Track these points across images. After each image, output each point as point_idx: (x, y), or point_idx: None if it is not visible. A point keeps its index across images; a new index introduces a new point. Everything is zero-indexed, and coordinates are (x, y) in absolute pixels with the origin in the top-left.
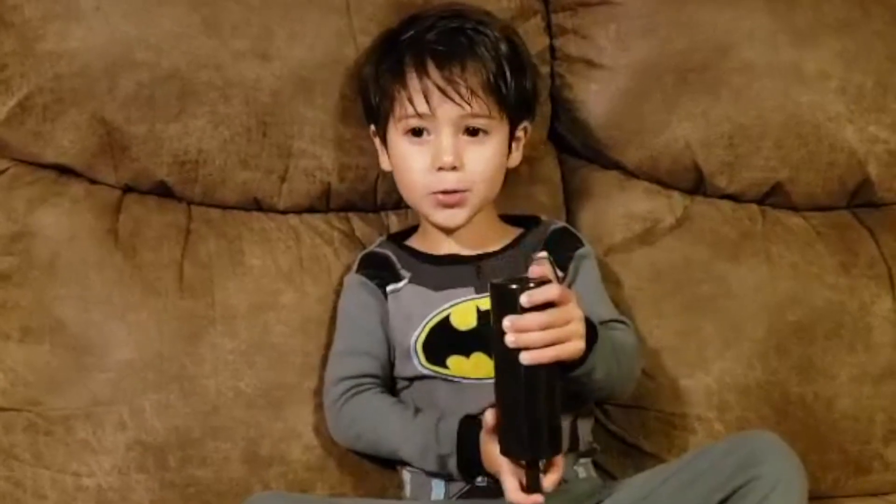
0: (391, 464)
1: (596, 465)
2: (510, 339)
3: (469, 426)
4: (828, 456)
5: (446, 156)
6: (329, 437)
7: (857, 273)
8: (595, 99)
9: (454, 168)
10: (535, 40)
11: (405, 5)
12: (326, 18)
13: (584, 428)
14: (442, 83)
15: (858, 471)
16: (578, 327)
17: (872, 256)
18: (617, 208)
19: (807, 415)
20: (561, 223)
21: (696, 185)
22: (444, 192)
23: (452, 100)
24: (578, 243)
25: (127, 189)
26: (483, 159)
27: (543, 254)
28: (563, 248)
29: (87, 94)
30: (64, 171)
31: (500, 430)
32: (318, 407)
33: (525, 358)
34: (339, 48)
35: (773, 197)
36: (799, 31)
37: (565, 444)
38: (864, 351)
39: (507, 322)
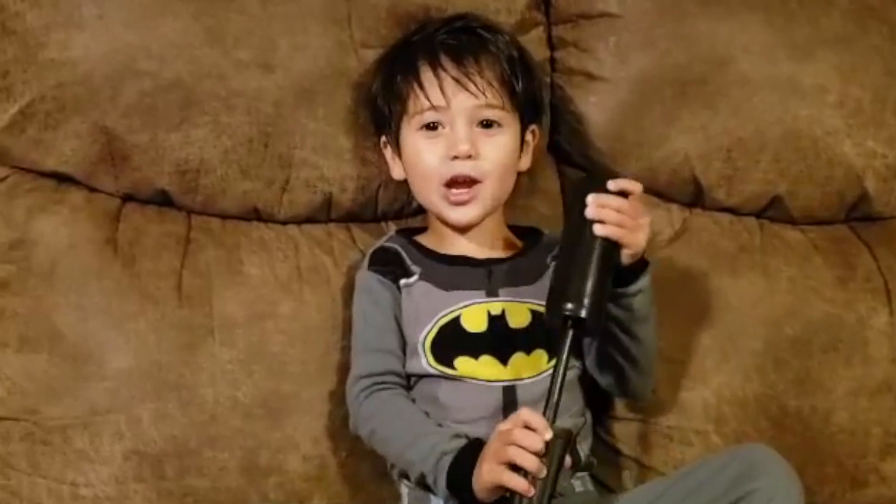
0: (389, 476)
1: (593, 478)
2: (590, 212)
3: (474, 448)
4: (824, 469)
5: (462, 144)
6: (327, 447)
7: (854, 287)
8: (594, 111)
9: (469, 157)
10: (535, 52)
11: (406, 17)
12: (328, 30)
13: (584, 445)
14: (456, 74)
15: (855, 484)
16: (645, 229)
17: (870, 270)
18: None
19: (804, 428)
20: None
21: (695, 197)
22: (457, 183)
23: (467, 89)
24: None
25: (127, 198)
26: (497, 149)
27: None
28: None
29: (89, 102)
30: (64, 179)
31: (550, 294)
32: (317, 417)
33: (598, 229)
34: (341, 59)
35: (772, 210)
36: (797, 46)
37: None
38: (860, 364)
39: (592, 197)
